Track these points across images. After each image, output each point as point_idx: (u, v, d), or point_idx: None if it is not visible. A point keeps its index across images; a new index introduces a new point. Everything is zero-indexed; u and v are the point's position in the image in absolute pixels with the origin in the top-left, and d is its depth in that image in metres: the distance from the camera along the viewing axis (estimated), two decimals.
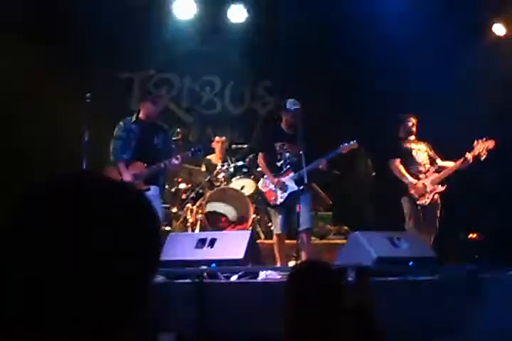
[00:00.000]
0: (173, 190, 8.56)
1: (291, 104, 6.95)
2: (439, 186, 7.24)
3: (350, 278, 3.96)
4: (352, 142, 6.94)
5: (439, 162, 7.44)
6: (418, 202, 7.19)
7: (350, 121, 9.08)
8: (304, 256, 6.42)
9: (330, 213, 8.94)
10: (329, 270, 2.45)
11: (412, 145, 7.48)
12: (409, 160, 7.41)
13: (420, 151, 7.46)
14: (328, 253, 7.13)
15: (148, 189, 6.37)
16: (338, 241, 7.94)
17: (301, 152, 6.61)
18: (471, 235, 7.27)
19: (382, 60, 8.94)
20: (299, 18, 9.45)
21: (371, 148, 8.55)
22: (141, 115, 6.75)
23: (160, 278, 5.39)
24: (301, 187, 6.63)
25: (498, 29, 9.24)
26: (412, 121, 7.52)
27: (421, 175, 7.31)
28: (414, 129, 7.53)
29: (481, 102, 8.42)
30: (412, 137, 7.54)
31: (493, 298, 5.43)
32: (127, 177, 6.45)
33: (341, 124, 9.00)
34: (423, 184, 7.23)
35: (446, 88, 8.41)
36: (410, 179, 7.25)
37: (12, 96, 8.39)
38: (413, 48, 8.74)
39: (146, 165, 6.56)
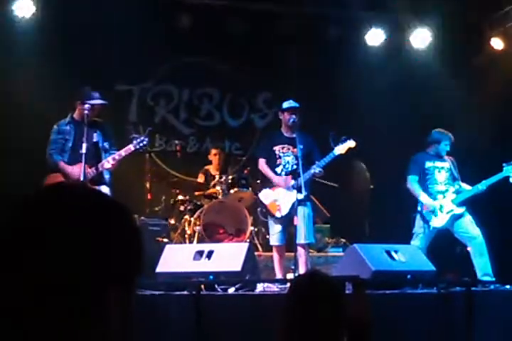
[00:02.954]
0: (171, 201, 8.55)
1: (287, 103, 6.90)
2: (457, 207, 6.97)
3: (347, 291, 3.96)
4: (348, 141, 6.72)
5: (460, 183, 7.15)
6: (430, 224, 6.96)
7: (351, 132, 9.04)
8: (301, 270, 6.22)
9: (328, 226, 8.93)
10: (330, 281, 2.45)
11: (436, 163, 7.21)
12: (429, 179, 7.16)
13: (443, 170, 7.18)
14: (326, 265, 7.12)
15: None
16: (336, 254, 7.92)
17: (299, 156, 6.50)
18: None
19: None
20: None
21: (370, 161, 8.57)
22: (75, 115, 6.47)
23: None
24: (301, 197, 6.44)
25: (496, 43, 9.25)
26: (451, 139, 7.18)
27: (439, 195, 7.06)
28: (448, 149, 7.22)
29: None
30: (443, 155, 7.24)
31: (489, 312, 5.43)
32: (74, 175, 6.14)
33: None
34: (439, 204, 6.98)
35: None
36: (425, 198, 7.02)
37: (11, 107, 8.38)
38: None
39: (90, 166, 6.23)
